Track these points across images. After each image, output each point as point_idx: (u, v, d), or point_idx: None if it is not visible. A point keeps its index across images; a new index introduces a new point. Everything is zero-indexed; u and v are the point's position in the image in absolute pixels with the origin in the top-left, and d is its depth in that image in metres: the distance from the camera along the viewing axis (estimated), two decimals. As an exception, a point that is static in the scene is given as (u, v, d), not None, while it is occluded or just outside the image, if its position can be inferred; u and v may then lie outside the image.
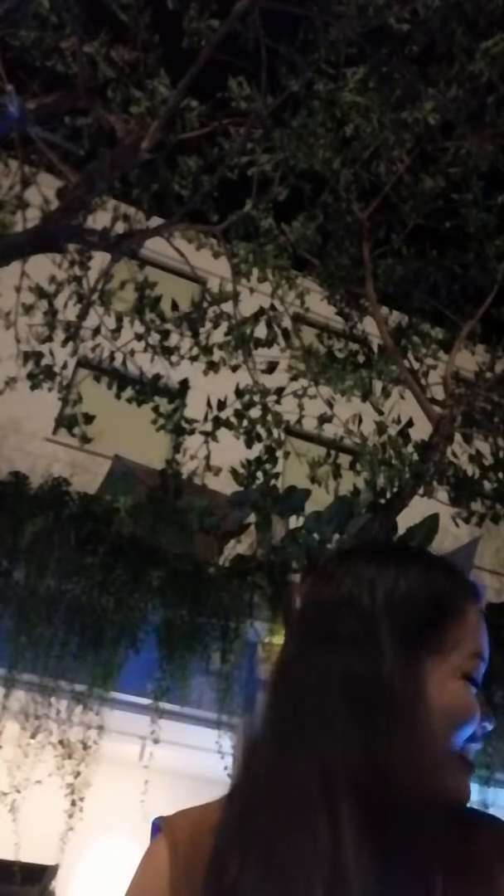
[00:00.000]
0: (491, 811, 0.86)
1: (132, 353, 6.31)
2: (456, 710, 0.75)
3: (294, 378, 6.81)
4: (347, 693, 0.73)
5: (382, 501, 5.55)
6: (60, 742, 4.29)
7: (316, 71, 5.84)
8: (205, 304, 6.52)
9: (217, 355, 6.52)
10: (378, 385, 6.88)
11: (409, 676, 0.74)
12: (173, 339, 6.42)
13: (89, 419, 6.11)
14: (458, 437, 6.28)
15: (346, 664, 0.74)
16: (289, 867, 0.67)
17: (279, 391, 6.36)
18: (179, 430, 6.21)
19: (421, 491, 5.67)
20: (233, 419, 6.19)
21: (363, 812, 0.68)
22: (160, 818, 0.82)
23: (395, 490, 5.66)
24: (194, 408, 6.30)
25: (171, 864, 0.77)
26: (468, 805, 0.78)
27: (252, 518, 5.47)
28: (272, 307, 6.70)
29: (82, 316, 6.30)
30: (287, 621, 4.53)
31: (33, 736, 4.21)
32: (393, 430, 6.31)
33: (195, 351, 6.46)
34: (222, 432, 6.19)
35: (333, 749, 0.71)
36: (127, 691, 4.38)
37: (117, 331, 6.35)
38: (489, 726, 0.79)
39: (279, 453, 6.25)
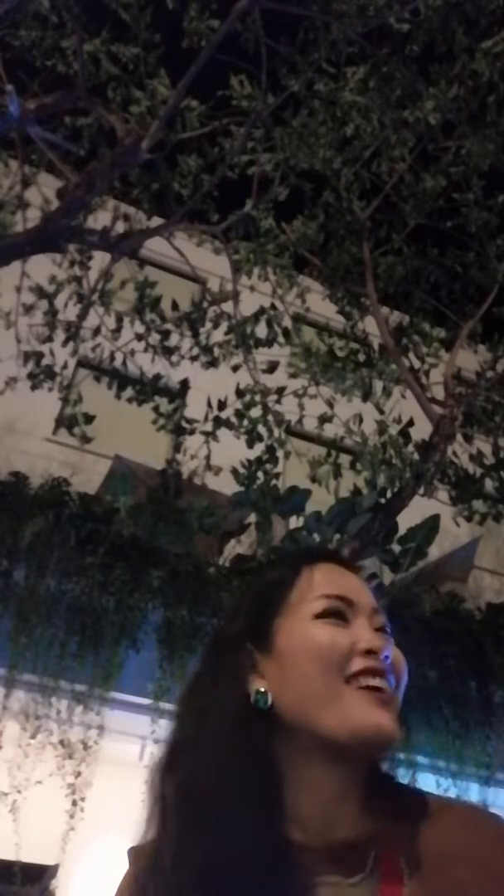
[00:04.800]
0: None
1: (132, 353, 6.30)
2: (308, 647, 0.78)
3: (294, 377, 6.81)
4: (206, 689, 0.83)
5: (383, 501, 5.55)
6: (61, 742, 4.29)
7: (316, 70, 5.84)
8: (205, 304, 6.52)
9: (217, 354, 6.52)
10: (379, 385, 6.88)
11: (257, 651, 0.81)
12: (173, 339, 6.42)
13: (89, 419, 6.11)
14: (458, 436, 6.27)
15: (207, 665, 0.86)
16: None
17: (280, 391, 6.35)
18: (179, 430, 6.21)
19: (421, 491, 5.66)
20: (233, 419, 6.19)
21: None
22: (130, 848, 0.86)
23: (395, 490, 5.65)
24: (194, 408, 6.29)
25: (130, 893, 0.80)
26: (392, 739, 0.76)
27: (252, 518, 5.47)
28: (272, 306, 6.69)
29: (82, 316, 6.30)
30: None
31: (33, 736, 4.21)
32: (394, 430, 6.30)
33: (195, 351, 6.46)
34: (222, 432, 6.19)
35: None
36: (127, 691, 4.37)
37: (117, 331, 6.35)
38: (381, 650, 0.78)
39: (279, 453, 6.25)
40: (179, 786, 0.77)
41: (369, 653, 0.78)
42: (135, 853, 0.84)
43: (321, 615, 0.80)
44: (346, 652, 0.77)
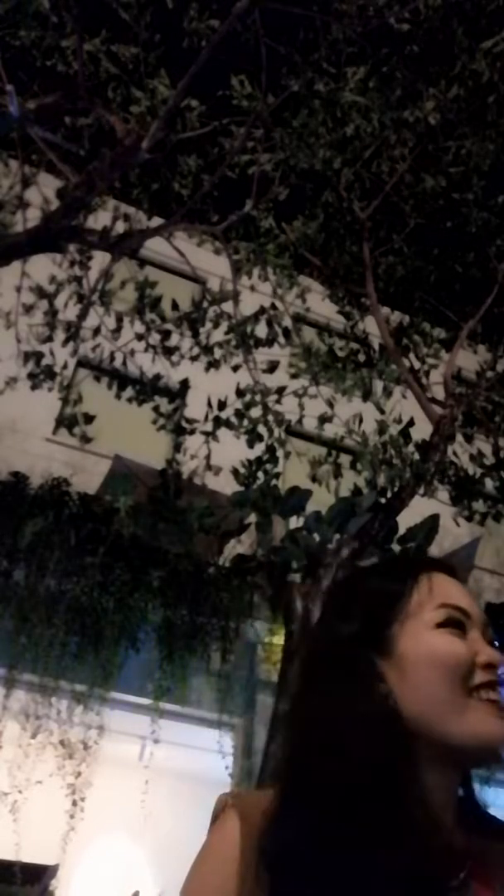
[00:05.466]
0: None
1: (132, 353, 6.31)
2: (434, 657, 0.81)
3: (295, 377, 6.81)
4: (320, 690, 0.84)
5: (383, 501, 5.55)
6: (61, 742, 4.29)
7: (316, 70, 5.83)
8: (205, 304, 6.52)
9: (218, 353, 6.52)
10: (379, 384, 6.88)
11: (378, 656, 0.83)
12: (174, 339, 6.42)
13: (89, 419, 6.11)
14: (458, 436, 6.27)
15: (317, 667, 0.87)
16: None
17: (280, 391, 6.35)
18: (179, 430, 6.21)
19: (421, 490, 5.66)
20: (233, 419, 6.19)
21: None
22: (228, 794, 0.87)
23: (395, 490, 5.65)
24: (194, 408, 6.29)
25: (242, 834, 0.81)
26: None
27: (252, 518, 5.47)
28: (272, 306, 6.69)
29: (82, 316, 6.30)
30: (287, 621, 4.52)
31: (34, 736, 4.21)
32: (394, 430, 6.31)
33: (195, 351, 6.46)
34: (222, 432, 6.19)
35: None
36: (127, 691, 4.38)
37: (117, 331, 6.35)
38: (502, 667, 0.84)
39: (280, 453, 6.25)
40: (321, 787, 0.78)
41: (489, 666, 0.82)
42: (239, 799, 0.85)
43: (443, 624, 0.84)
44: (468, 663, 0.81)
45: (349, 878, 0.72)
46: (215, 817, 0.85)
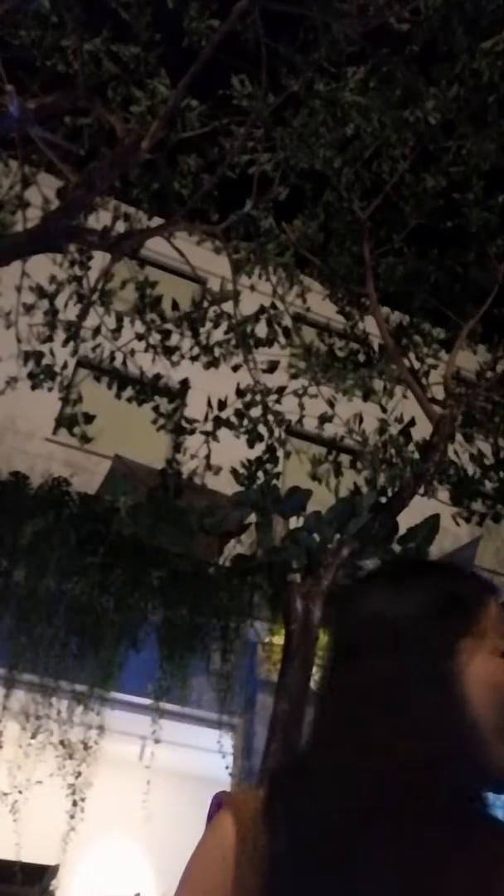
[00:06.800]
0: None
1: (132, 352, 6.30)
2: (495, 683, 0.83)
3: (295, 377, 6.81)
4: (374, 698, 0.82)
5: (383, 500, 5.55)
6: (61, 742, 4.29)
7: (316, 70, 5.83)
8: (205, 304, 6.52)
9: (218, 353, 6.52)
10: (379, 384, 6.88)
11: (443, 668, 0.83)
12: (174, 339, 6.42)
13: (89, 419, 6.11)
14: (458, 436, 6.27)
15: (369, 673, 0.84)
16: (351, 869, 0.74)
17: (280, 390, 6.35)
18: (180, 430, 6.21)
19: (422, 490, 5.66)
20: (233, 419, 6.18)
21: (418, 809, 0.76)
22: (223, 793, 0.88)
23: (395, 489, 5.65)
24: (195, 407, 6.29)
25: (237, 835, 0.81)
26: None
27: (252, 518, 5.47)
28: (273, 306, 6.69)
29: (82, 316, 6.30)
30: (287, 621, 4.52)
31: (34, 736, 4.21)
32: (394, 430, 6.31)
33: (195, 351, 6.46)
34: (222, 432, 6.19)
35: (371, 753, 0.79)
36: (127, 691, 4.38)
37: (117, 331, 6.35)
38: None
39: (280, 453, 6.25)
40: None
41: None
42: (234, 799, 0.85)
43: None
44: None
45: (347, 878, 0.73)
46: (210, 817, 0.85)
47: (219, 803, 0.85)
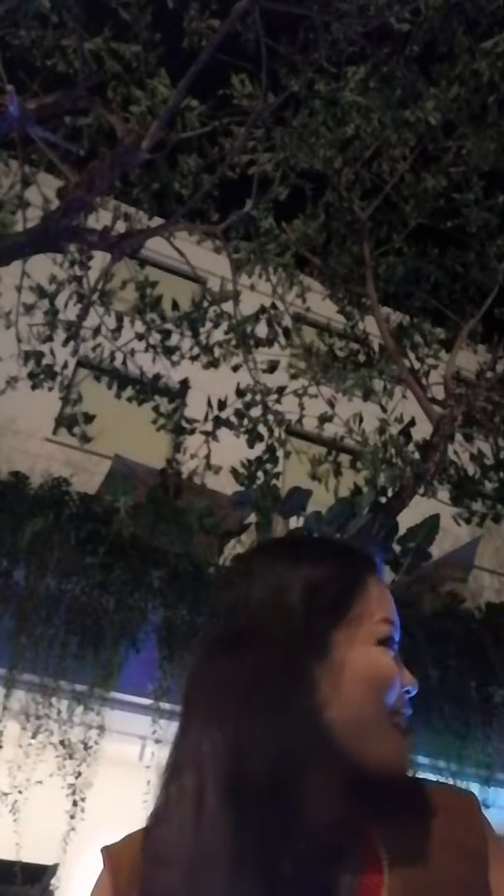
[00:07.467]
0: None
1: (132, 352, 6.31)
2: (374, 675, 0.77)
3: (295, 377, 6.81)
4: (232, 689, 0.74)
5: (383, 500, 5.55)
6: (61, 742, 4.29)
7: (317, 70, 5.83)
8: (205, 304, 6.52)
9: (217, 353, 6.52)
10: (379, 384, 6.88)
11: (313, 660, 0.75)
12: (174, 339, 6.42)
13: (89, 419, 6.11)
14: (458, 436, 6.27)
15: (232, 663, 0.76)
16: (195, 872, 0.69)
17: (280, 390, 6.35)
18: (179, 430, 6.21)
19: (421, 490, 5.67)
20: (233, 419, 6.19)
21: (234, 794, 0.70)
22: (103, 848, 0.85)
23: (395, 489, 5.65)
24: (195, 407, 6.29)
25: (112, 887, 0.79)
26: (410, 773, 0.80)
27: (252, 518, 5.47)
28: (273, 306, 6.69)
29: (83, 316, 6.30)
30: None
31: (34, 736, 4.21)
32: (394, 430, 6.31)
33: (195, 350, 6.47)
34: (222, 432, 6.19)
35: (213, 742, 0.72)
36: (127, 691, 4.37)
37: (118, 330, 6.35)
38: (413, 690, 0.81)
39: (280, 453, 6.25)
40: (238, 786, 0.72)
41: (406, 690, 0.80)
42: (110, 852, 0.83)
43: (384, 642, 0.79)
44: (398, 687, 0.78)
45: None
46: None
47: (102, 860, 0.83)
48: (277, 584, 0.80)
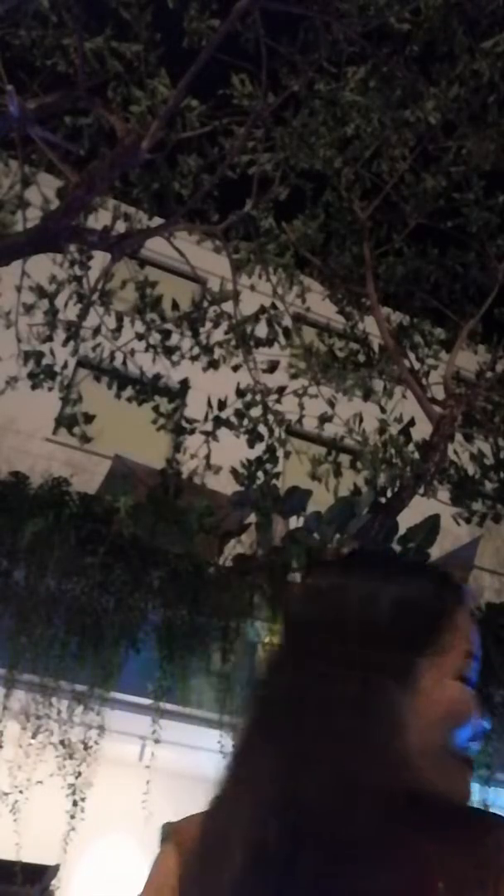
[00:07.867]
0: (491, 811, 0.88)
1: (132, 352, 6.30)
2: (454, 710, 0.78)
3: (295, 377, 6.81)
4: (319, 708, 0.74)
5: (383, 500, 5.55)
6: (61, 742, 4.28)
7: (317, 70, 5.83)
8: (205, 304, 6.52)
9: (217, 353, 6.52)
10: (379, 384, 6.88)
11: (396, 685, 0.76)
12: (174, 339, 6.42)
13: (89, 419, 6.11)
14: (458, 436, 6.27)
15: (320, 680, 0.76)
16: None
17: (280, 390, 6.35)
18: (179, 430, 6.21)
19: (422, 490, 5.67)
20: (233, 419, 6.19)
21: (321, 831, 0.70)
22: (168, 824, 0.86)
23: (395, 489, 5.65)
24: (194, 407, 6.29)
25: (179, 863, 0.81)
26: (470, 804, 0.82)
27: (252, 518, 5.47)
28: (273, 306, 6.69)
29: (83, 316, 6.30)
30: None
31: (34, 736, 4.21)
32: (394, 430, 6.31)
33: (195, 351, 6.46)
34: (222, 432, 6.19)
35: (296, 762, 0.73)
36: (127, 691, 4.37)
37: (118, 330, 6.35)
38: (486, 725, 0.82)
39: (280, 453, 6.24)
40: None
41: (476, 724, 0.81)
42: (177, 829, 0.85)
43: (465, 679, 0.80)
44: (473, 723, 0.80)
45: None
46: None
47: (163, 835, 0.85)
48: (366, 603, 0.80)
